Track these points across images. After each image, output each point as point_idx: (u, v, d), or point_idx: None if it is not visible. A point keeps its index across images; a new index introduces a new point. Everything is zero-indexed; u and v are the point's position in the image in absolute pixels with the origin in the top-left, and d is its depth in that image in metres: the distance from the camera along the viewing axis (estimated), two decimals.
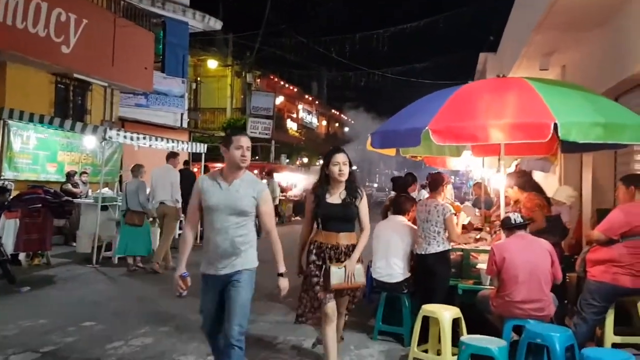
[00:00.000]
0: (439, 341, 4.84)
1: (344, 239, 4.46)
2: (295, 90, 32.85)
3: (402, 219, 6.08)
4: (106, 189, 12.78)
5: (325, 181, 4.51)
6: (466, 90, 5.16)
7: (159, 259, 9.54)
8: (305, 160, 34.38)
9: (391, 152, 5.99)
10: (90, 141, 12.31)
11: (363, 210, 4.51)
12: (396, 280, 5.79)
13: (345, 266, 4.38)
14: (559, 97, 4.66)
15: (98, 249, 10.18)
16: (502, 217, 5.39)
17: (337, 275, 4.36)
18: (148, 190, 9.96)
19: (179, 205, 9.83)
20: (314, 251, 4.50)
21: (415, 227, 5.91)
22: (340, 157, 4.42)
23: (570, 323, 5.25)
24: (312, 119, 38.75)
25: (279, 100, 29.37)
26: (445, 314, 4.76)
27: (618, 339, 5.03)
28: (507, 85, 5.02)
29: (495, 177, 8.13)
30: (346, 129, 44.54)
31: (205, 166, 13.97)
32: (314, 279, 4.46)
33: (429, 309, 4.90)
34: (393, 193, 7.79)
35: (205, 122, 26.50)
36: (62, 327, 6.03)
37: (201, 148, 13.60)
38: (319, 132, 41.34)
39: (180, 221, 10.72)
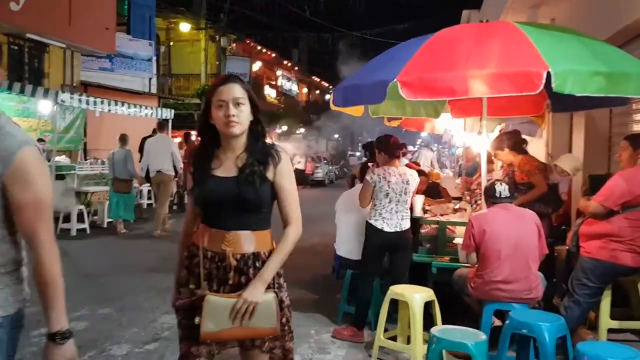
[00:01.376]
0: (410, 326, 4.19)
1: (239, 242, 2.35)
2: (274, 55, 31.85)
3: None
4: (63, 156, 12.15)
5: (208, 139, 2.46)
6: (443, 36, 4.38)
7: (159, 225, 9.87)
8: (285, 128, 33.64)
9: (357, 111, 5.15)
10: (45, 106, 11.48)
11: (284, 186, 2.41)
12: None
13: (240, 296, 2.27)
14: (553, 41, 3.92)
15: (54, 221, 9.49)
16: (483, 184, 4.69)
17: (213, 311, 2.25)
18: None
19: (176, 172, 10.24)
20: (186, 264, 2.47)
21: None
22: (229, 91, 2.33)
23: (558, 303, 4.62)
24: (292, 86, 37.89)
25: (257, 66, 28.60)
26: (416, 297, 4.10)
27: (615, 324, 4.41)
28: (492, 29, 4.24)
29: (477, 139, 7.30)
30: (327, 97, 43.74)
31: (187, 134, 13.30)
32: (182, 319, 2.44)
33: (397, 291, 4.23)
34: (364, 159, 7.11)
35: (179, 89, 25.64)
36: None
37: (168, 114, 13.02)
38: (299, 100, 40.54)
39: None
